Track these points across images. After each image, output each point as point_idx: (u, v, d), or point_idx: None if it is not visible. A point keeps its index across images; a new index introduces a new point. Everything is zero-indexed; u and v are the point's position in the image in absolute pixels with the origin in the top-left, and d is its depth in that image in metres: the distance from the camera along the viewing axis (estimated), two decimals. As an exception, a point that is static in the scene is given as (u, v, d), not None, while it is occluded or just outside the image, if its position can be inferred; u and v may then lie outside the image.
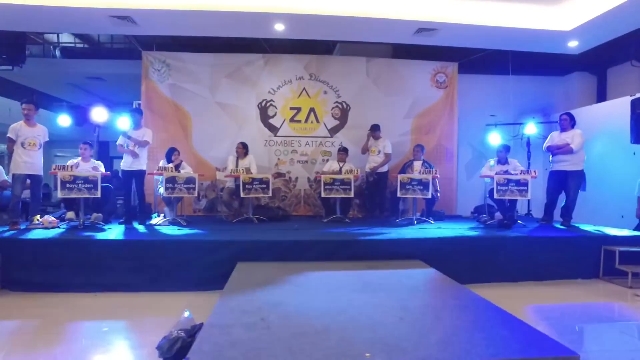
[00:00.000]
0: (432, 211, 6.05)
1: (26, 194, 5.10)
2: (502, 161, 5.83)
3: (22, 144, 4.70)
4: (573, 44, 6.33)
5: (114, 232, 4.57)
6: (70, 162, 5.25)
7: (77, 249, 4.02)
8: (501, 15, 5.76)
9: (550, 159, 5.79)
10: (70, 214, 5.03)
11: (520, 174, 5.36)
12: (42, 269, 3.92)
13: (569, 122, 5.60)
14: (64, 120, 6.44)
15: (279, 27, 5.81)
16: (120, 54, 8.02)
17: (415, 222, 5.59)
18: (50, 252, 3.97)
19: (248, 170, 5.76)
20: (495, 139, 7.20)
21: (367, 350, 2.02)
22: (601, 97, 7.55)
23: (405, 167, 6.32)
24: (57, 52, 8.05)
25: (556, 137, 5.67)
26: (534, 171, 5.41)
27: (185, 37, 7.76)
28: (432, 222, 5.69)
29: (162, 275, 4.02)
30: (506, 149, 5.83)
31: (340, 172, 6.04)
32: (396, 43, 7.23)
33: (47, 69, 7.93)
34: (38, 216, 4.82)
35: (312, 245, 4.21)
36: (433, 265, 4.21)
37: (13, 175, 4.71)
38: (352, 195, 5.69)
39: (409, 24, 5.75)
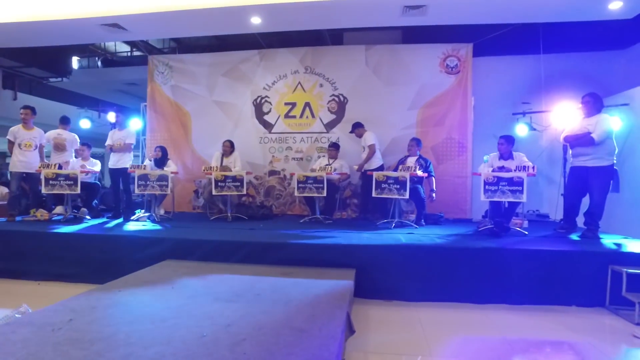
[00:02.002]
0: (423, 214, 5.32)
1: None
2: (504, 156, 4.88)
3: (19, 145, 5.28)
4: (616, 6, 5.03)
5: (76, 225, 4.85)
6: (72, 161, 5.82)
7: (34, 240, 4.35)
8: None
9: (570, 152, 4.70)
10: (59, 208, 5.52)
11: (515, 170, 4.41)
12: (2, 257, 4.35)
13: (592, 105, 4.47)
14: (85, 123, 7.10)
15: (256, 20, 5.64)
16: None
17: (393, 225, 4.96)
18: (12, 242, 4.38)
19: (225, 168, 5.72)
20: (522, 130, 6.09)
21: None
22: (679, 71, 5.87)
23: (399, 164, 5.67)
24: (99, 63, 9.02)
25: (577, 125, 4.57)
26: (532, 167, 4.40)
27: (196, 39, 8.07)
28: (416, 226, 5.00)
29: (102, 268, 4.14)
30: (508, 140, 4.86)
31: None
32: (403, 27, 6.57)
33: (93, 78, 8.93)
34: (34, 209, 5.40)
35: (240, 246, 3.97)
36: (373, 276, 3.73)
37: (10, 172, 5.32)
38: (324, 194, 5.28)
39: (394, 3, 5.13)
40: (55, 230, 4.46)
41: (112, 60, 9.01)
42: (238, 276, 3.44)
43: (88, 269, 4.17)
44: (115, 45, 10.34)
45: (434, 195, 5.45)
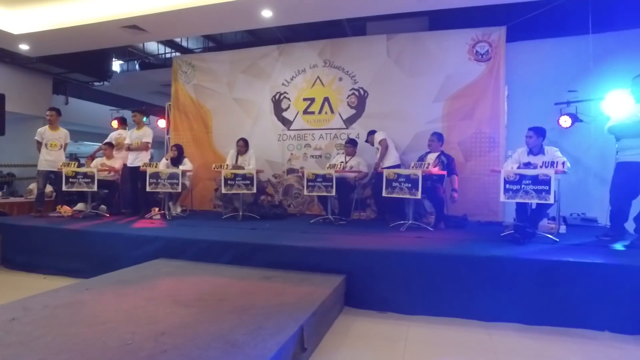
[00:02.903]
0: (442, 216, 4.82)
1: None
2: (533, 151, 4.26)
3: (46, 145, 5.56)
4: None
5: (86, 222, 4.97)
6: (96, 160, 6.05)
7: (44, 235, 4.54)
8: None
9: (616, 145, 3.99)
10: (80, 205, 5.74)
11: (542, 166, 3.79)
12: (21, 250, 4.58)
13: (645, 88, 3.75)
14: (116, 123, 7.38)
15: (267, 14, 5.46)
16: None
17: (405, 228, 4.54)
18: (25, 237, 4.60)
19: (239, 167, 5.62)
20: (566, 121, 5.34)
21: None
22: None
23: (418, 162, 5.20)
24: (137, 66, 9.40)
25: (626, 112, 3.87)
26: (562, 163, 3.75)
27: (232, 38, 8.10)
28: (432, 229, 4.53)
29: (101, 264, 4.17)
30: (538, 133, 4.22)
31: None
32: (430, 13, 6.08)
33: (131, 80, 9.34)
34: (59, 206, 5.66)
35: (228, 247, 3.81)
36: (365, 284, 3.39)
37: (38, 171, 5.61)
38: (333, 193, 4.97)
39: (408, -15, 4.71)
40: (61, 227, 4.60)
41: (149, 63, 9.36)
42: (213, 278, 3.27)
43: (89, 265, 4.23)
44: (157, 47, 10.78)
45: (455, 195, 4.92)
